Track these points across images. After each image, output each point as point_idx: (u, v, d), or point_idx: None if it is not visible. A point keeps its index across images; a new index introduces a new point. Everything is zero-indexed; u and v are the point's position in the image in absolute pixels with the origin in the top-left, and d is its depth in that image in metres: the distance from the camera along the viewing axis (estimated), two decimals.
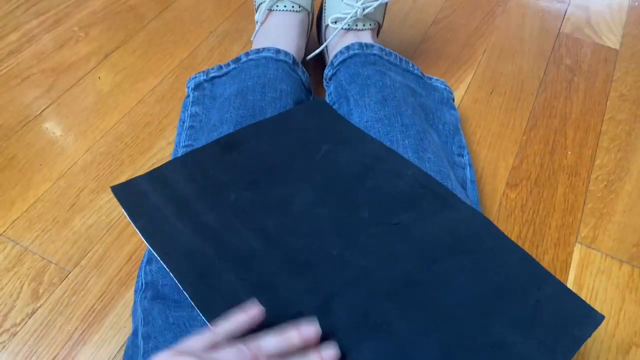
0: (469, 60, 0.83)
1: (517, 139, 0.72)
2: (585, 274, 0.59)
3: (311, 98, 0.68)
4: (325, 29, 0.70)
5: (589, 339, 0.53)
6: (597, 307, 0.56)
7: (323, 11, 0.71)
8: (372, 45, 0.64)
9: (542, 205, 0.65)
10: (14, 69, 0.79)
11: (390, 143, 0.54)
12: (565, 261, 0.60)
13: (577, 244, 0.61)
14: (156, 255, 0.42)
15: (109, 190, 0.64)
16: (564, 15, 0.92)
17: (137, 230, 0.44)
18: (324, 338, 0.36)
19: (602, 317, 0.40)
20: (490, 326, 0.38)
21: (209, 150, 0.51)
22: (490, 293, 0.40)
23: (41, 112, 0.74)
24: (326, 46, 0.70)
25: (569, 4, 0.94)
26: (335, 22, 0.67)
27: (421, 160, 0.52)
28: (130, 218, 0.44)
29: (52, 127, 0.72)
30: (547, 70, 0.82)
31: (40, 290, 0.55)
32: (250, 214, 0.45)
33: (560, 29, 0.89)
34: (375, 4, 0.65)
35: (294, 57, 0.65)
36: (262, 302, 0.37)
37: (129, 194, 0.47)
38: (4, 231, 0.60)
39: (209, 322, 0.37)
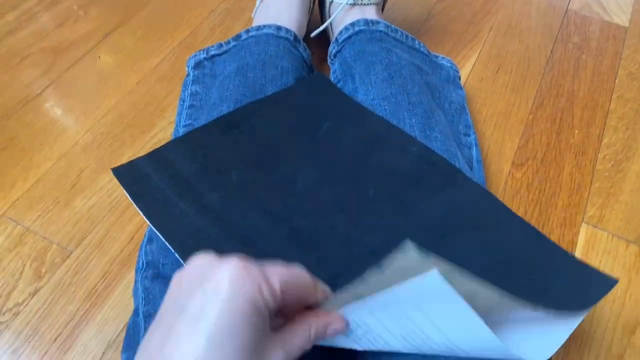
0: (474, 39, 0.82)
1: (523, 118, 0.71)
2: (592, 254, 0.58)
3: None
4: (330, 4, 0.68)
5: (594, 320, 0.53)
6: None
7: None
8: (378, 22, 0.63)
9: (548, 185, 0.64)
10: (13, 48, 0.78)
11: (396, 122, 0.53)
12: (571, 241, 0.59)
13: (583, 223, 0.60)
14: (160, 236, 0.41)
15: (111, 170, 0.63)
16: None
17: (139, 211, 0.43)
18: None
19: (614, 281, 0.38)
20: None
21: (210, 130, 0.51)
22: (499, 267, 0.39)
23: (41, 91, 0.73)
24: (330, 22, 0.68)
25: None
26: None
27: (428, 139, 0.51)
28: (132, 199, 0.44)
29: (53, 107, 0.71)
30: (554, 49, 0.81)
31: (43, 270, 0.55)
32: (254, 193, 0.45)
33: (568, 6, 0.87)
34: None
35: (295, 34, 0.64)
36: None
37: (130, 176, 0.46)
38: (5, 211, 0.59)
39: None
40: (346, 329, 0.31)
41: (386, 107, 0.54)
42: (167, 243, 0.40)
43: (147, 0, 0.86)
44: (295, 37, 0.64)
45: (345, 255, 0.40)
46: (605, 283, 0.38)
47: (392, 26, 0.64)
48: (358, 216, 0.43)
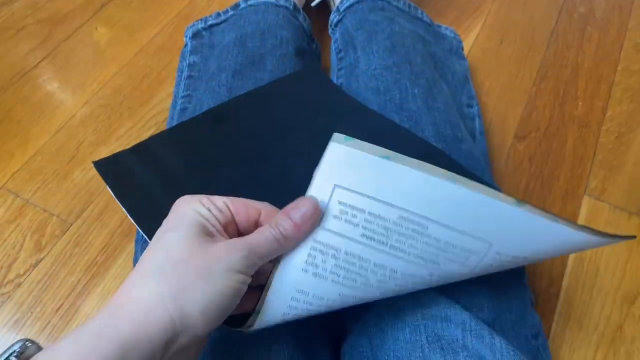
0: (478, 9, 0.80)
1: (526, 89, 0.70)
2: (593, 226, 0.57)
3: (313, 46, 0.66)
4: None
5: (594, 290, 0.53)
6: (604, 259, 0.55)
7: None
8: None
9: (551, 157, 0.63)
10: (8, 20, 0.77)
11: (399, 91, 0.52)
12: (573, 213, 0.59)
13: (585, 196, 0.60)
14: (146, 238, 0.39)
15: (109, 142, 0.63)
16: None
17: (124, 209, 0.41)
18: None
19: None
20: None
21: (198, 123, 0.48)
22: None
23: (37, 64, 0.72)
24: None
25: None
26: None
27: (431, 109, 0.51)
28: (115, 196, 0.42)
29: (49, 80, 0.70)
30: (559, 19, 0.79)
31: (43, 242, 0.54)
32: (245, 190, 0.42)
33: None
34: None
35: (294, 3, 0.62)
36: None
37: (113, 170, 0.43)
38: (4, 184, 0.59)
39: None
40: (318, 212, 0.30)
41: (388, 76, 0.53)
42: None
43: None
44: (295, 6, 0.62)
45: None
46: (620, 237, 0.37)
47: None
48: None
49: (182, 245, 0.27)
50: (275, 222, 0.30)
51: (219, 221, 0.30)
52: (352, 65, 0.56)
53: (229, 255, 0.27)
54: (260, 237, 0.29)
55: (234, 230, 0.31)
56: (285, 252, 0.30)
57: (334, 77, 0.60)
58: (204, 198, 0.31)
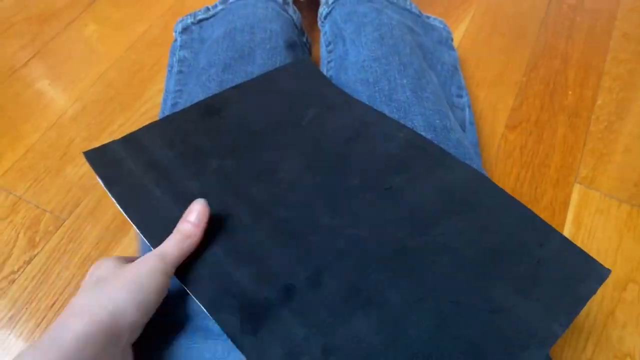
0: (468, 0, 0.80)
1: (517, 80, 0.70)
2: (584, 214, 0.58)
3: (304, 39, 0.66)
4: None
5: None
6: (595, 246, 0.56)
7: None
8: None
9: (542, 147, 0.64)
10: None
11: (388, 82, 0.52)
12: (564, 202, 0.59)
13: (576, 184, 0.61)
14: (133, 226, 0.40)
15: (102, 138, 0.63)
16: None
17: (112, 198, 0.41)
18: (316, 309, 0.35)
19: (608, 271, 0.38)
20: (489, 290, 0.36)
21: (189, 115, 0.48)
22: (488, 255, 0.38)
23: (27, 61, 0.72)
24: None
25: None
26: None
27: (419, 99, 0.51)
28: (105, 185, 0.42)
29: (40, 77, 0.70)
30: (548, 10, 0.80)
31: (37, 239, 0.54)
32: (235, 181, 0.43)
33: None
34: None
35: None
36: (249, 274, 0.36)
37: (103, 160, 0.43)
38: None
39: (194, 294, 0.35)
40: (209, 210, 0.37)
41: (377, 68, 0.53)
42: (139, 233, 0.39)
43: None
44: None
45: (330, 247, 0.39)
46: (600, 272, 0.37)
47: None
48: (343, 207, 0.41)
49: (112, 269, 0.34)
50: (177, 228, 0.36)
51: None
52: (341, 58, 0.57)
53: (150, 263, 0.33)
54: (167, 245, 0.35)
55: None
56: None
57: (323, 69, 0.60)
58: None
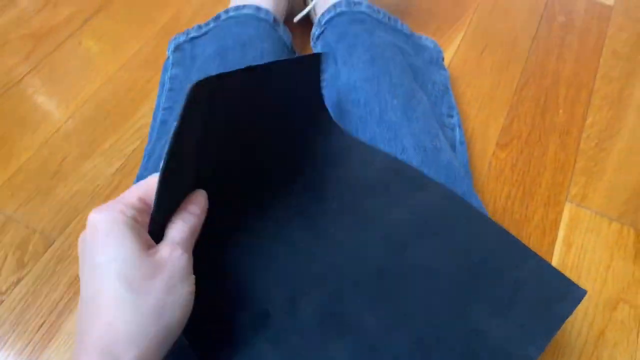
0: (459, 20, 0.81)
1: (508, 98, 0.71)
2: (575, 233, 0.58)
3: None
4: None
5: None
6: (586, 264, 0.56)
7: None
8: (360, 3, 0.62)
9: (533, 165, 0.64)
10: None
11: (378, 103, 0.52)
12: (555, 220, 0.59)
13: (567, 202, 0.61)
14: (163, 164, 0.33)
15: (93, 157, 0.63)
16: None
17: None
18: (291, 336, 0.35)
19: (583, 292, 0.38)
20: (465, 312, 0.36)
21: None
22: (465, 276, 0.38)
23: (21, 78, 0.72)
24: (314, 5, 0.68)
25: None
26: None
27: (409, 120, 0.51)
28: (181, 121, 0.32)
29: (33, 94, 0.70)
30: (539, 28, 0.80)
31: (25, 259, 0.54)
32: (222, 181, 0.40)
33: None
34: None
35: (274, 17, 0.63)
36: (226, 296, 0.35)
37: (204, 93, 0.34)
38: None
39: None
40: (207, 200, 0.35)
41: (368, 88, 0.53)
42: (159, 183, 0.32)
43: None
44: (275, 19, 0.63)
45: (306, 272, 0.38)
46: (575, 293, 0.37)
47: (375, 7, 0.63)
48: (320, 231, 0.41)
49: (134, 264, 0.27)
50: (183, 219, 0.32)
51: (145, 223, 0.31)
52: (333, 77, 0.57)
53: (179, 262, 0.29)
54: (184, 237, 0.31)
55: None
56: None
57: None
58: (120, 205, 0.30)
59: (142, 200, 0.31)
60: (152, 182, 0.32)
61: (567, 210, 0.60)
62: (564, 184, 0.63)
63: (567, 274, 0.55)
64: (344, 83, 0.56)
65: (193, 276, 0.30)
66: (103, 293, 0.26)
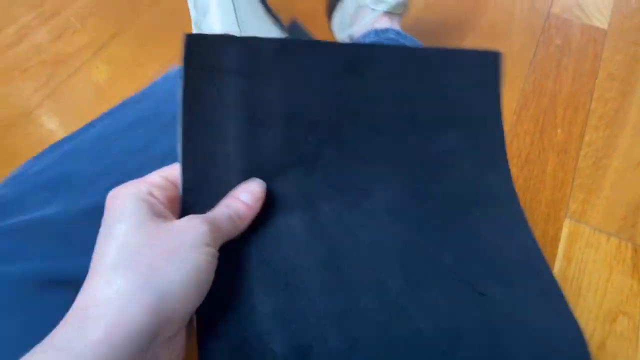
0: (460, 45, 0.84)
1: (507, 118, 0.74)
2: (574, 248, 0.61)
3: None
4: (358, 8, 0.70)
5: (577, 309, 0.55)
6: (586, 279, 0.58)
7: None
8: (387, 30, 0.65)
9: (532, 182, 0.66)
10: (13, 62, 0.80)
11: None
12: (554, 236, 0.62)
13: (566, 218, 0.63)
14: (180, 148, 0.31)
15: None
16: None
17: (181, 103, 0.31)
18: None
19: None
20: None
21: (333, 56, 0.36)
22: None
23: (41, 102, 0.75)
24: (351, 23, 0.70)
25: None
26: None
27: None
28: (184, 97, 0.31)
29: (52, 118, 0.73)
30: (537, 51, 0.84)
31: None
32: (315, 182, 0.35)
33: (549, 10, 0.90)
34: None
35: None
36: (272, 311, 0.30)
37: (202, 56, 0.32)
38: None
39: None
40: (265, 193, 0.32)
41: None
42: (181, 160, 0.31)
43: (142, 10, 0.88)
44: None
45: (385, 332, 0.31)
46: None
47: (402, 32, 0.66)
48: (419, 285, 0.33)
49: (138, 230, 0.26)
50: (227, 203, 0.30)
51: (164, 200, 0.29)
52: None
53: (194, 229, 0.27)
54: (217, 213, 0.29)
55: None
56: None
57: None
58: (138, 183, 0.29)
59: (165, 178, 0.30)
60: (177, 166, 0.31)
61: (567, 226, 0.62)
62: (563, 200, 0.65)
63: (568, 287, 0.57)
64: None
65: (212, 249, 0.27)
66: (100, 260, 0.25)
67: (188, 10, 0.88)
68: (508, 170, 0.41)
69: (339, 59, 0.36)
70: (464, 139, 0.39)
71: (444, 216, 0.36)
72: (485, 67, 0.41)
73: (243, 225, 0.30)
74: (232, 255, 0.31)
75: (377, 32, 0.65)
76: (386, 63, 0.37)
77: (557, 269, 0.59)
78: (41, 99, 0.76)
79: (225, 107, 0.32)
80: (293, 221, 0.33)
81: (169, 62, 0.80)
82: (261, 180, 0.32)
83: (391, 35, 0.64)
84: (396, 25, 0.68)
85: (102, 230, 0.26)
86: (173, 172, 0.30)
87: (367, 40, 0.66)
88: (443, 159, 0.38)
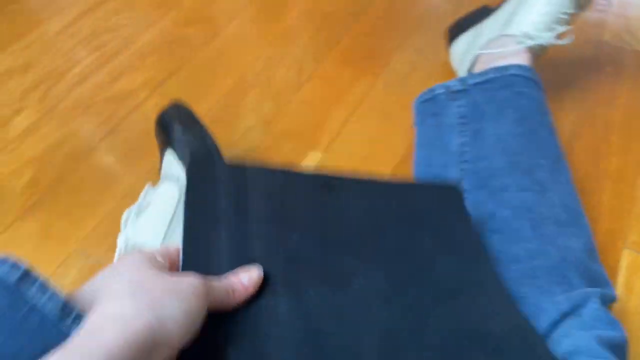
0: None
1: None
2: (634, 278, 0.59)
3: None
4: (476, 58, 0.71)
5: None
6: None
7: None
8: (507, 67, 0.63)
9: (589, 213, 0.64)
10: (78, 99, 0.86)
11: (528, 158, 0.56)
12: (613, 266, 0.60)
13: (625, 249, 0.61)
14: (182, 241, 0.39)
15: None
16: (604, 23, 0.93)
17: (184, 204, 0.42)
18: None
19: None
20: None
21: (305, 178, 0.48)
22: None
23: (103, 137, 0.80)
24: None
25: (608, 13, 0.94)
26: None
27: (556, 183, 0.55)
28: (186, 199, 0.42)
29: (114, 152, 0.78)
30: (589, 79, 0.83)
31: None
32: (301, 269, 0.40)
33: (601, 38, 0.90)
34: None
35: None
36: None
37: (203, 168, 0.45)
38: (77, 246, 0.65)
39: None
40: (261, 280, 0.36)
41: (515, 146, 0.56)
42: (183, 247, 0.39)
43: (198, 48, 0.93)
44: None
45: None
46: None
47: (523, 65, 0.65)
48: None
49: (142, 272, 0.31)
50: (227, 276, 0.36)
51: (166, 263, 0.36)
52: (477, 131, 0.59)
53: (191, 280, 0.32)
54: (215, 279, 0.34)
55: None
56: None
57: (454, 134, 0.60)
58: (150, 252, 0.36)
59: (162, 254, 0.37)
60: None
61: (625, 257, 0.61)
62: (621, 231, 0.63)
63: (631, 318, 0.55)
64: (490, 134, 0.58)
65: (204, 302, 0.32)
66: (107, 291, 0.30)
67: (238, 47, 0.91)
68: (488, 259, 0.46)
69: (317, 180, 0.47)
70: (438, 244, 0.45)
71: (429, 300, 0.40)
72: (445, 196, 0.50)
73: (235, 300, 0.35)
74: (217, 323, 0.34)
75: (474, 75, 0.64)
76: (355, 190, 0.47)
77: (618, 300, 0.57)
78: (105, 134, 0.80)
79: (219, 208, 0.42)
80: (277, 301, 0.37)
81: (223, 97, 0.84)
82: (261, 267, 0.37)
83: (491, 75, 0.63)
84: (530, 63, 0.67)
85: (108, 272, 0.32)
86: (173, 251, 0.38)
87: (487, 77, 0.64)
88: (420, 261, 0.43)
